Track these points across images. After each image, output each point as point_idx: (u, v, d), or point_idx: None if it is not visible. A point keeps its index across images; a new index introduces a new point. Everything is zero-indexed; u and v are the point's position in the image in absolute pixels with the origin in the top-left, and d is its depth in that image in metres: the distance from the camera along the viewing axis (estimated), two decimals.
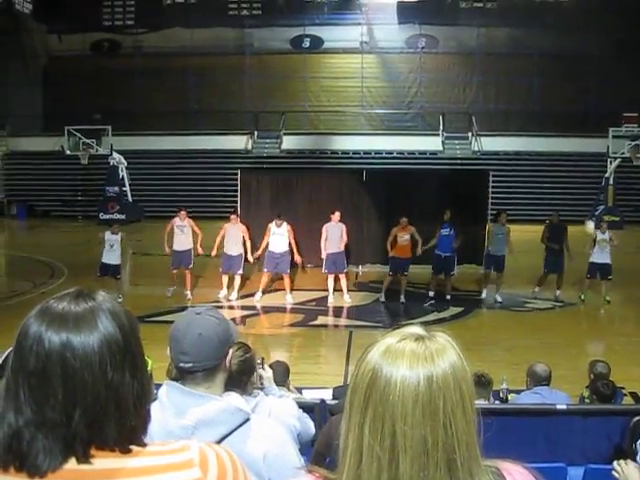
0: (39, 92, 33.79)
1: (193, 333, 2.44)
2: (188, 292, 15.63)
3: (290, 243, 15.45)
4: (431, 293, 15.62)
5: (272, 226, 15.41)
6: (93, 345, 1.40)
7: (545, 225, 16.04)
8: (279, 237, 15.36)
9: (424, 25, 32.26)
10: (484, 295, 15.96)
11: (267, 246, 15.46)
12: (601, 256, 15.24)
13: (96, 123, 28.83)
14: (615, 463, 3.22)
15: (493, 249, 15.59)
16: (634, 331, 13.84)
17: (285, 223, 15.43)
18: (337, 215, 15.46)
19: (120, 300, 13.63)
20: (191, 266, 15.68)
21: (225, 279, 15.62)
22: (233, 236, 15.48)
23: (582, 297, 15.53)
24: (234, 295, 15.58)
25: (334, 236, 15.43)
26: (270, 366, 4.65)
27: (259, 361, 4.40)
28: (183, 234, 15.63)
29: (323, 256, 15.48)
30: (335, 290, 15.61)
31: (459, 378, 1.36)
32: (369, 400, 1.37)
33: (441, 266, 15.56)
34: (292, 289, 15.70)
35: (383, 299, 15.67)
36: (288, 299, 15.44)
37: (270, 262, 15.40)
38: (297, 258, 15.66)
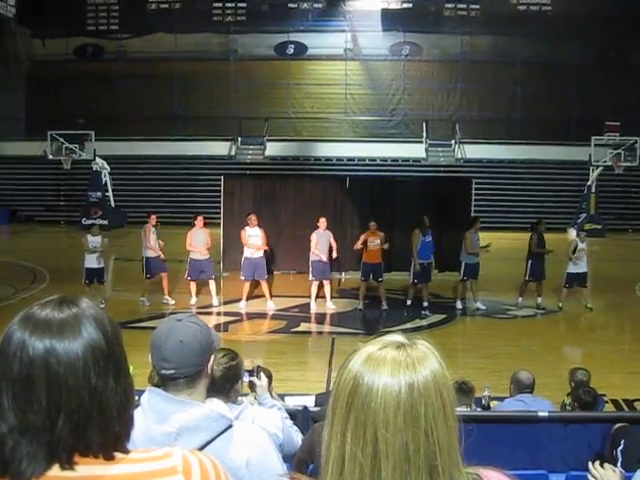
0: (22, 96, 33.64)
1: (174, 340, 2.43)
2: (167, 297, 15.56)
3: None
4: (409, 302, 15.61)
5: (247, 229, 15.22)
6: (77, 351, 1.40)
7: (532, 233, 15.96)
8: (255, 239, 15.21)
9: (408, 32, 32.39)
10: (459, 306, 15.81)
11: (240, 252, 15.38)
12: (580, 265, 15.29)
13: (79, 128, 28.75)
14: (591, 466, 3.22)
15: (471, 257, 15.53)
16: (615, 338, 13.93)
17: (257, 226, 15.28)
18: (323, 221, 15.34)
19: (102, 306, 13.58)
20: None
21: (194, 286, 15.50)
22: (200, 240, 15.29)
23: (560, 306, 15.57)
24: (215, 300, 15.47)
25: (323, 244, 15.31)
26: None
27: (254, 369, 4.39)
28: (156, 239, 15.54)
29: (312, 261, 15.35)
30: (318, 297, 15.56)
31: (440, 385, 1.37)
32: (351, 407, 1.37)
33: (424, 274, 15.54)
34: (272, 295, 15.63)
35: (361, 307, 15.52)
36: (269, 305, 15.36)
37: (248, 269, 15.27)
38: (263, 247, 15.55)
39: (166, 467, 1.48)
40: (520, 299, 15.79)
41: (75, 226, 26.96)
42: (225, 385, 3.43)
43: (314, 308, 15.38)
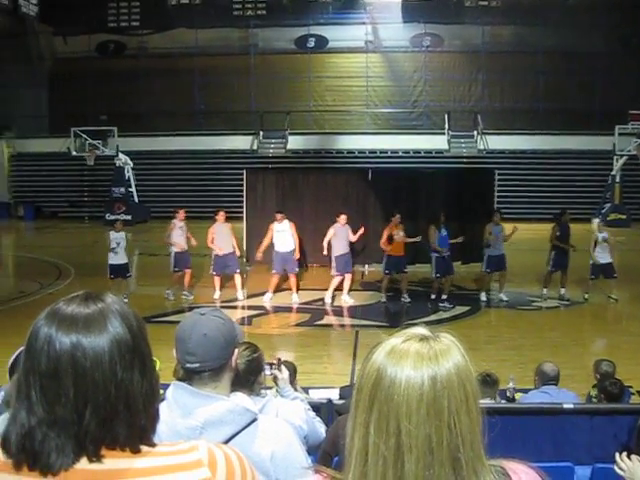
0: (45, 94, 33.87)
1: (199, 333, 2.45)
2: (186, 292, 15.62)
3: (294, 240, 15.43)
4: (445, 295, 15.59)
5: (275, 225, 15.35)
6: (103, 345, 1.42)
7: (555, 224, 15.89)
8: (283, 234, 15.30)
9: (429, 24, 32.20)
10: (483, 298, 15.76)
11: (271, 246, 15.43)
12: (603, 256, 15.19)
13: (102, 124, 28.93)
14: (618, 458, 3.20)
15: (493, 249, 15.47)
16: None
17: (287, 220, 15.38)
18: (343, 218, 15.37)
19: (125, 300, 13.66)
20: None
21: (217, 280, 15.56)
22: (223, 235, 15.35)
23: (586, 297, 15.49)
24: (240, 294, 15.53)
25: (342, 238, 15.36)
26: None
27: (275, 362, 4.40)
28: (183, 235, 15.57)
29: (325, 253, 15.45)
30: (337, 289, 15.58)
31: (463, 378, 1.38)
32: (374, 400, 1.38)
33: (445, 266, 15.51)
34: (298, 289, 15.68)
35: (384, 299, 15.59)
36: (294, 298, 15.41)
37: (278, 263, 15.36)
38: (296, 255, 15.61)
39: (192, 460, 1.49)
40: (545, 290, 15.72)
41: (99, 222, 27.14)
42: (249, 378, 3.44)
43: (328, 302, 15.38)
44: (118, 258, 15.11)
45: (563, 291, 15.64)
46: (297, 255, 15.58)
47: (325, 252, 15.42)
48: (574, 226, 15.97)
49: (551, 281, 15.72)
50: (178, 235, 15.47)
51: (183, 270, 15.58)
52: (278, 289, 15.89)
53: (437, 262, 15.40)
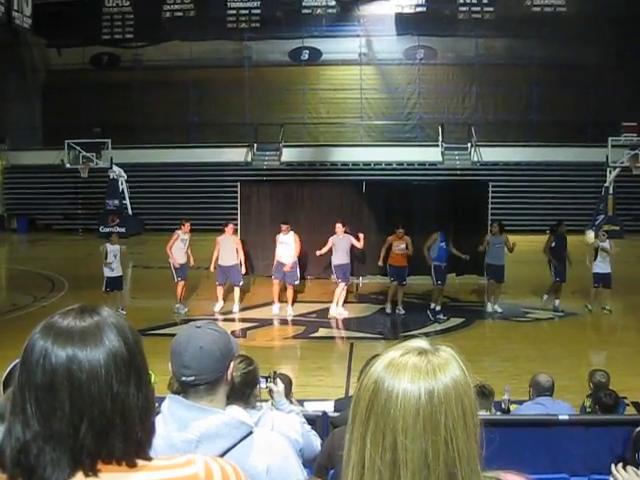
0: (39, 106, 33.89)
1: (194, 346, 2.45)
2: (179, 305, 15.54)
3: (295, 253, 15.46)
4: (438, 307, 15.61)
5: (279, 236, 15.43)
6: (99, 359, 1.42)
7: (550, 234, 15.93)
8: (285, 246, 15.36)
9: (422, 36, 32.31)
10: (489, 308, 15.75)
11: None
12: (604, 266, 15.24)
13: (96, 136, 28.95)
14: (613, 469, 3.19)
15: (491, 260, 15.54)
16: (635, 340, 13.81)
17: (292, 232, 15.43)
18: (339, 227, 15.49)
19: (123, 313, 13.64)
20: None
21: (221, 291, 15.57)
22: (228, 247, 15.39)
23: (589, 307, 15.50)
24: (235, 307, 15.54)
25: (341, 248, 15.47)
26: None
27: (271, 375, 4.40)
28: (184, 248, 15.52)
29: (334, 265, 15.57)
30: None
31: (461, 393, 1.36)
32: (371, 413, 1.37)
33: (443, 276, 15.59)
34: (294, 301, 15.68)
35: (389, 310, 15.57)
36: (289, 311, 15.41)
37: (279, 271, 15.42)
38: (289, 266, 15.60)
39: (188, 474, 1.49)
40: (545, 296, 15.72)
41: (93, 234, 27.11)
42: (245, 391, 3.45)
43: (338, 313, 15.43)
44: (115, 270, 15.08)
45: (557, 302, 15.64)
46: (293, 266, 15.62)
47: (319, 253, 15.63)
48: (567, 237, 15.99)
49: (553, 291, 15.70)
50: (179, 248, 15.40)
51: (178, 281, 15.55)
52: (271, 302, 15.87)
53: (436, 270, 15.45)
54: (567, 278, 15.53)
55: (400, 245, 15.35)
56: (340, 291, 15.55)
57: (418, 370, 1.37)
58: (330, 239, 15.48)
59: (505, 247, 15.48)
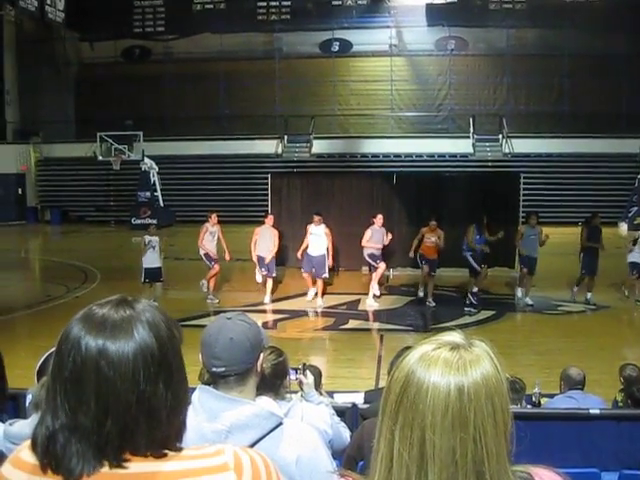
0: (71, 99, 34.22)
1: (225, 338, 2.46)
2: (211, 296, 15.56)
3: (327, 246, 15.39)
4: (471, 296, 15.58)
5: (311, 227, 15.41)
6: (128, 354, 1.42)
7: (582, 227, 15.77)
8: (316, 238, 15.30)
9: (453, 27, 32.15)
10: (519, 294, 15.72)
11: (306, 247, 15.50)
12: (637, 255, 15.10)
13: (127, 129, 29.17)
14: None
15: (526, 251, 15.40)
16: None
17: (324, 224, 15.39)
18: (380, 218, 15.46)
19: (155, 304, 13.72)
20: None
21: (268, 282, 15.58)
22: (266, 237, 15.42)
23: (626, 294, 15.49)
24: (267, 298, 15.56)
25: (376, 239, 15.39)
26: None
27: (301, 367, 4.41)
28: (214, 240, 15.51)
29: (367, 254, 15.50)
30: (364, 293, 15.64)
31: (492, 390, 1.35)
32: (400, 406, 1.37)
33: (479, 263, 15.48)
34: (324, 293, 15.69)
35: (422, 293, 15.76)
36: (318, 302, 15.41)
37: (307, 263, 15.42)
38: (330, 262, 15.61)
39: (218, 464, 1.50)
40: (575, 288, 15.59)
41: (125, 226, 27.33)
42: (275, 382, 3.46)
43: (369, 305, 15.42)
44: (153, 260, 15.11)
45: (589, 295, 15.50)
46: (330, 261, 15.56)
47: (365, 254, 15.56)
48: (605, 230, 15.83)
49: (582, 284, 15.58)
50: (209, 240, 15.43)
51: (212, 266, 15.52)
52: (303, 293, 15.90)
53: (473, 259, 15.30)
54: (599, 271, 15.36)
55: (431, 237, 15.26)
56: (377, 276, 15.52)
57: (449, 365, 1.36)
58: (368, 230, 15.39)
59: (539, 239, 15.34)
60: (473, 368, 1.36)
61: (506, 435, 1.37)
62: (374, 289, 15.57)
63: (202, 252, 15.47)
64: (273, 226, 15.70)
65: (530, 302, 15.48)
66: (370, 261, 15.58)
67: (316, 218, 15.35)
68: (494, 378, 1.37)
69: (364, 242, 15.37)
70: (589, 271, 15.38)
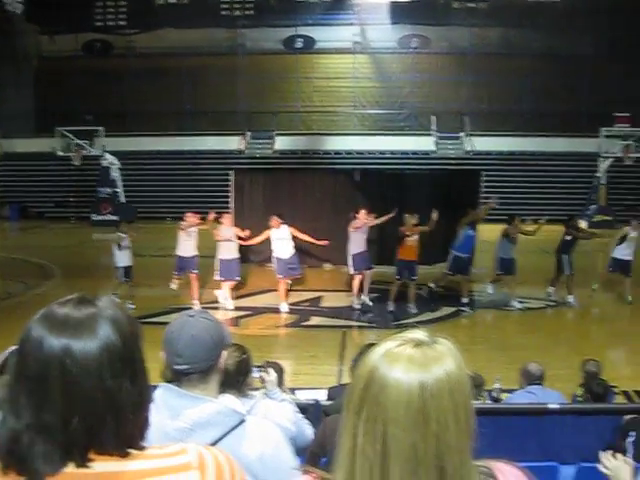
0: (31, 93, 33.72)
1: (187, 335, 2.45)
2: (196, 301, 14.94)
3: (297, 240, 15.17)
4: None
5: (273, 231, 14.88)
6: (93, 352, 1.41)
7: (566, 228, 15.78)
8: (283, 242, 14.91)
9: (416, 25, 32.29)
10: (490, 290, 15.70)
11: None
12: (625, 252, 15.23)
13: (88, 124, 28.84)
14: (602, 456, 3.21)
15: (503, 254, 15.18)
16: (627, 330, 13.91)
17: (285, 225, 14.98)
18: (363, 214, 14.93)
19: (132, 306, 13.64)
20: (196, 271, 15.05)
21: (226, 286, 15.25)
22: (227, 239, 14.98)
23: (594, 287, 15.60)
24: (227, 299, 15.30)
25: (359, 236, 14.97)
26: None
27: (263, 365, 4.42)
28: (190, 239, 14.96)
29: (352, 254, 15.05)
30: (329, 291, 15.58)
31: (454, 387, 1.37)
32: (364, 402, 1.38)
33: (462, 266, 15.31)
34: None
35: (392, 308, 14.84)
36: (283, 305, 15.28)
37: (282, 268, 14.99)
38: (322, 242, 15.37)
39: (181, 463, 1.50)
40: (551, 289, 15.74)
41: (85, 222, 27.07)
42: (238, 379, 3.46)
43: (358, 302, 15.22)
44: (127, 258, 14.92)
45: (551, 290, 15.66)
46: (322, 243, 15.36)
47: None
48: (558, 227, 15.97)
49: (559, 282, 15.70)
50: (184, 240, 14.94)
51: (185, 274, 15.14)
52: (266, 290, 15.87)
53: (454, 261, 15.20)
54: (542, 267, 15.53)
55: (414, 235, 14.42)
56: (358, 282, 15.11)
57: (412, 362, 1.37)
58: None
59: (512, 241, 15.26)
60: (436, 365, 1.37)
61: (468, 431, 1.39)
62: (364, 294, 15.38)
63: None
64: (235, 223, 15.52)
65: (518, 305, 15.21)
66: (352, 264, 15.10)
67: (274, 220, 14.82)
68: (457, 375, 1.39)
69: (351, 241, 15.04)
70: (569, 269, 15.43)
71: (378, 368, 1.39)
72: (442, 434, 1.34)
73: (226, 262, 14.92)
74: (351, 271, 15.19)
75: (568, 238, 15.45)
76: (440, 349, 1.41)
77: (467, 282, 15.56)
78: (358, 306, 15.16)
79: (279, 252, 14.99)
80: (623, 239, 15.26)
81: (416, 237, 14.47)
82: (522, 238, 15.45)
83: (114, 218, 25.40)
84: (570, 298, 15.35)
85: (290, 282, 15.60)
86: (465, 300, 15.31)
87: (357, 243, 15.00)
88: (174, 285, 15.15)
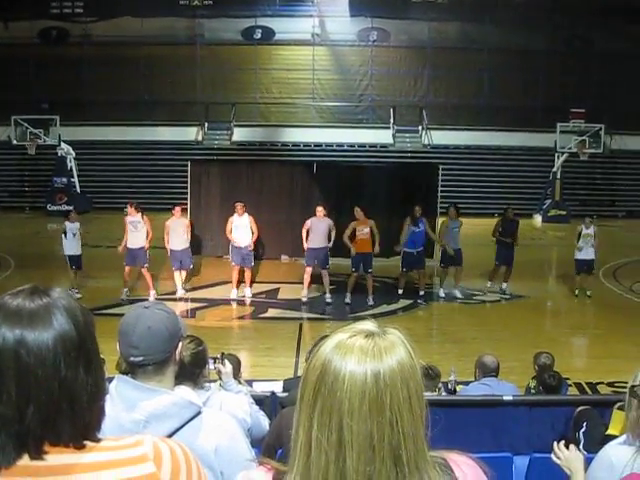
0: None
1: (143, 326, 2.44)
2: (153, 292, 14.85)
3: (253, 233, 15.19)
4: (400, 291, 15.52)
5: (234, 218, 15.04)
6: (47, 342, 1.40)
7: (498, 219, 16.13)
8: (243, 229, 15.02)
9: (376, 18, 32.28)
10: (442, 293, 15.68)
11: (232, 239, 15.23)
12: (586, 252, 15.37)
13: (44, 113, 28.41)
14: (555, 447, 3.25)
15: (451, 244, 15.45)
16: (579, 323, 14.14)
17: (247, 213, 15.12)
18: (321, 209, 15.04)
19: (78, 296, 13.47)
20: (147, 265, 14.92)
21: (178, 276, 15.21)
22: (179, 231, 15.05)
23: (576, 293, 15.64)
24: (180, 288, 15.31)
25: (319, 231, 14.96)
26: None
27: (219, 356, 4.41)
28: (137, 230, 14.78)
29: (307, 248, 15.07)
30: (287, 283, 15.61)
31: (407, 375, 1.39)
32: (318, 394, 1.39)
33: (413, 262, 15.39)
34: (252, 282, 15.64)
35: (349, 300, 14.97)
36: (247, 293, 15.29)
37: (237, 256, 15.15)
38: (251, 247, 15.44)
39: (137, 455, 1.49)
40: (489, 283, 15.92)
41: (40, 212, 26.70)
42: (194, 371, 3.45)
43: (305, 295, 15.20)
44: (76, 247, 14.79)
45: (505, 285, 15.84)
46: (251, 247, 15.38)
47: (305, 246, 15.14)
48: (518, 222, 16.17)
49: (496, 275, 15.91)
50: (130, 231, 14.77)
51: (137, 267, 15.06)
52: (222, 282, 15.82)
53: (405, 257, 15.32)
54: (514, 262, 15.70)
55: (364, 229, 14.66)
56: (308, 276, 15.16)
57: (365, 352, 1.39)
58: (308, 221, 15.07)
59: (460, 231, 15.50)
60: (388, 355, 1.40)
61: (422, 418, 1.41)
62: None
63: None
64: (184, 216, 15.53)
65: (459, 295, 15.56)
66: (308, 258, 15.17)
67: (239, 206, 15.00)
68: (408, 364, 1.41)
69: (304, 234, 15.03)
70: (503, 262, 15.71)
71: (331, 360, 1.40)
72: (397, 422, 1.36)
73: (176, 252, 15.02)
74: (305, 263, 15.35)
75: (500, 229, 15.82)
76: (391, 339, 1.43)
77: (423, 276, 15.65)
78: (305, 299, 15.20)
79: (237, 240, 15.03)
80: (579, 238, 15.48)
81: (367, 230, 14.68)
82: (478, 232, 15.60)
83: (69, 208, 25.09)
84: (503, 285, 15.80)
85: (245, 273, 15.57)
86: (421, 293, 15.44)
87: (311, 239, 15.05)
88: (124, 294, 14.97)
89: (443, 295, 15.68)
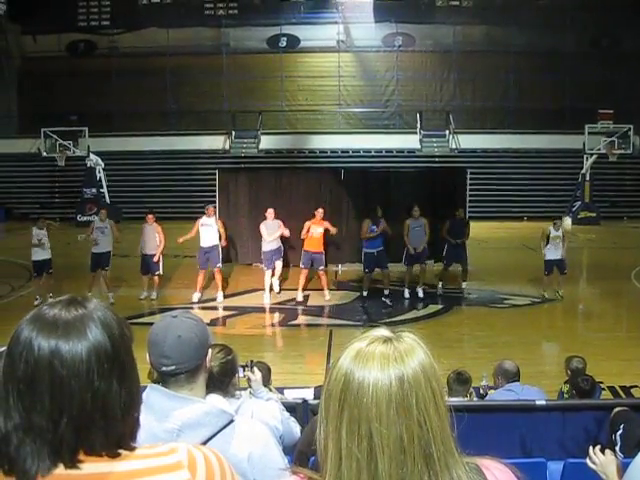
0: (14, 94, 33.53)
1: (173, 336, 2.45)
2: (154, 293, 15.50)
3: (220, 234, 15.38)
4: (365, 292, 15.74)
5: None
6: (81, 353, 1.41)
7: (449, 221, 16.09)
8: (207, 228, 15.19)
9: (400, 23, 32.31)
10: (407, 295, 15.84)
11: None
12: (555, 253, 15.34)
13: (72, 124, 28.69)
14: (591, 452, 3.23)
15: (412, 244, 15.54)
16: (611, 326, 13.99)
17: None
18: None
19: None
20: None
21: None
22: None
23: (545, 295, 15.60)
24: (154, 294, 15.53)
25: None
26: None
27: (249, 364, 4.41)
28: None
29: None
30: (315, 289, 15.63)
31: (429, 375, 1.42)
32: (344, 404, 1.41)
33: (375, 262, 15.59)
34: (225, 287, 15.78)
35: (300, 298, 15.50)
36: (218, 298, 15.38)
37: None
38: (224, 243, 15.66)
39: (172, 462, 1.50)
40: (440, 284, 16.14)
41: (70, 223, 26.93)
42: (224, 380, 3.45)
43: (300, 299, 15.45)
44: (42, 253, 15.30)
45: (464, 284, 16.08)
46: (224, 243, 15.63)
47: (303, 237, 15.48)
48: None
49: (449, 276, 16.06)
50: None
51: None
52: (251, 289, 15.88)
53: (366, 258, 15.54)
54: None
55: (317, 229, 15.25)
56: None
57: (386, 358, 1.41)
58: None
59: (424, 231, 15.56)
60: (409, 357, 1.42)
61: (447, 417, 1.44)
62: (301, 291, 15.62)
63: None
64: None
65: (420, 294, 15.78)
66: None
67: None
68: (429, 364, 1.44)
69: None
70: (453, 260, 15.72)
71: (353, 370, 1.42)
72: (425, 422, 1.39)
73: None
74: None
75: (448, 228, 15.93)
76: (408, 342, 1.46)
77: (387, 275, 15.82)
78: (300, 299, 15.45)
79: (201, 240, 15.27)
80: (547, 240, 15.39)
81: (320, 230, 15.23)
82: (507, 235, 15.51)
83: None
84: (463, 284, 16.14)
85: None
86: (386, 292, 15.70)
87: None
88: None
89: (407, 296, 15.78)
